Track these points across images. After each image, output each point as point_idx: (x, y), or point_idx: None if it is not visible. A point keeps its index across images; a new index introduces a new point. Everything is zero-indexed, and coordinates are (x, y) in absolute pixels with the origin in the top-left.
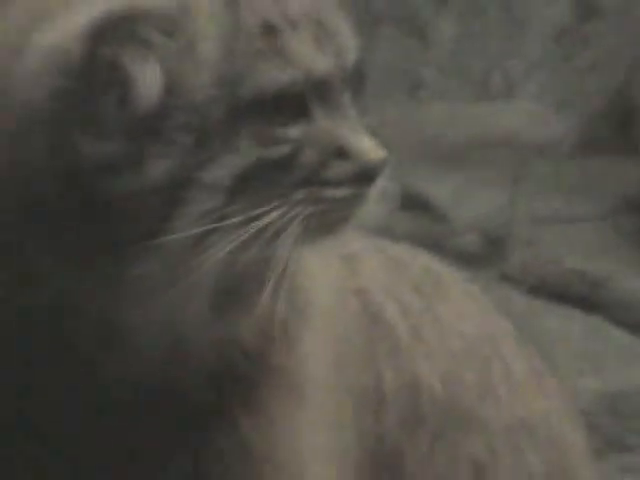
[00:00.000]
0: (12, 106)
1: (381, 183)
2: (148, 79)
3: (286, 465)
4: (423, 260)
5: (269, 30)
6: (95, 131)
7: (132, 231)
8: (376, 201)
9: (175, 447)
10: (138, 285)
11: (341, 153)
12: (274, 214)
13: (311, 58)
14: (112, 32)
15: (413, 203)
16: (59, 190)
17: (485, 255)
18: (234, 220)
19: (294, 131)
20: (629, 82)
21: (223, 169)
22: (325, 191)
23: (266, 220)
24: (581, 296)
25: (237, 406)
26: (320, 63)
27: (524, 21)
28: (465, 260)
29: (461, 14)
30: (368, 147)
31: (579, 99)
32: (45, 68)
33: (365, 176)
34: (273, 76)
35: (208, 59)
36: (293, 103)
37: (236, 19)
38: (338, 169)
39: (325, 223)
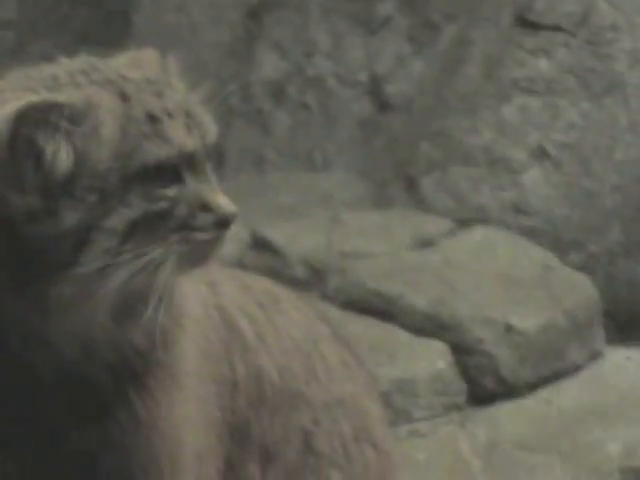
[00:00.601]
0: None
1: (233, 229)
2: (57, 153)
3: (167, 431)
4: (265, 284)
5: (152, 119)
6: (19, 188)
7: (52, 263)
8: (230, 242)
9: (87, 418)
10: (58, 302)
11: (205, 207)
12: (156, 251)
13: (182, 139)
14: (30, 117)
15: (259, 243)
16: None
17: (310, 281)
18: (127, 256)
19: (171, 191)
20: (409, 159)
21: (119, 218)
22: (194, 235)
23: (150, 256)
24: (378, 309)
25: (131, 389)
26: (189, 143)
27: (336, 114)
28: (296, 284)
29: (292, 110)
30: (224, 203)
31: (375, 170)
32: None
33: (222, 224)
34: (155, 152)
35: (107, 140)
36: (170, 171)
37: (128, 110)
38: (203, 219)
39: (194, 258)
